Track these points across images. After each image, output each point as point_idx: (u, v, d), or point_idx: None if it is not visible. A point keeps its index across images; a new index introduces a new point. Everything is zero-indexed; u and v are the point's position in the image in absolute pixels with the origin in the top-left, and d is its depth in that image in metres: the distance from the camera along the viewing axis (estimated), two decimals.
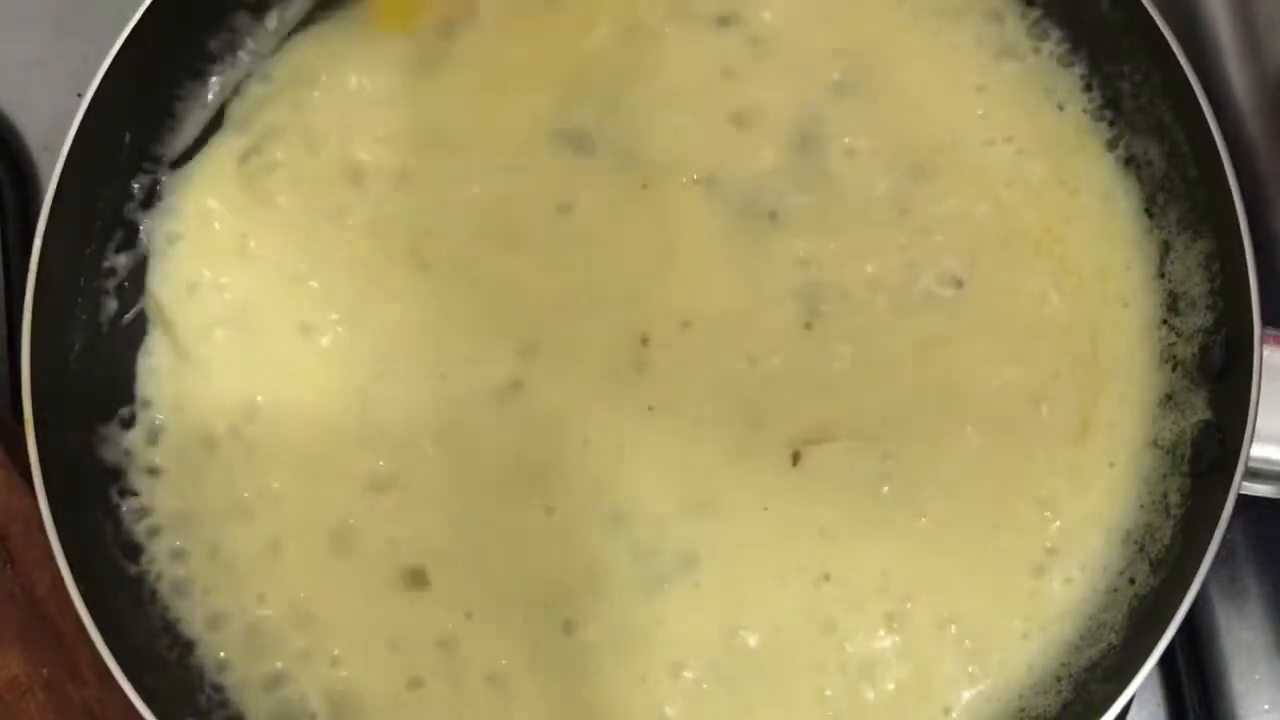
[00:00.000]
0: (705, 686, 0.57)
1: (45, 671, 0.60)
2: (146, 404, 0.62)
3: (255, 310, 0.62)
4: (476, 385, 0.60)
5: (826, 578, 0.58)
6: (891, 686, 0.58)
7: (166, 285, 0.63)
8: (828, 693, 0.57)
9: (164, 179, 0.64)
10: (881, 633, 0.58)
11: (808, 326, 0.60)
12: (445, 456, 0.60)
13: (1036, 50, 0.64)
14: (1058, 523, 0.59)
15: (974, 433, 0.60)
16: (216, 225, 0.63)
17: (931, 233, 0.62)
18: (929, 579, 0.59)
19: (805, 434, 0.59)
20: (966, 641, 0.58)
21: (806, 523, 0.59)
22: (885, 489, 0.59)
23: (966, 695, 0.58)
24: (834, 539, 0.59)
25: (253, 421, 0.61)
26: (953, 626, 0.58)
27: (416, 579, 0.59)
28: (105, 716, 0.61)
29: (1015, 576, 0.59)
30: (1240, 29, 0.70)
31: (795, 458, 0.59)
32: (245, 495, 0.60)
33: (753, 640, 0.58)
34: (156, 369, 0.62)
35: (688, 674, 0.57)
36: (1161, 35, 0.59)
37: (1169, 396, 0.60)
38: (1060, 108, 0.64)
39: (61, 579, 0.55)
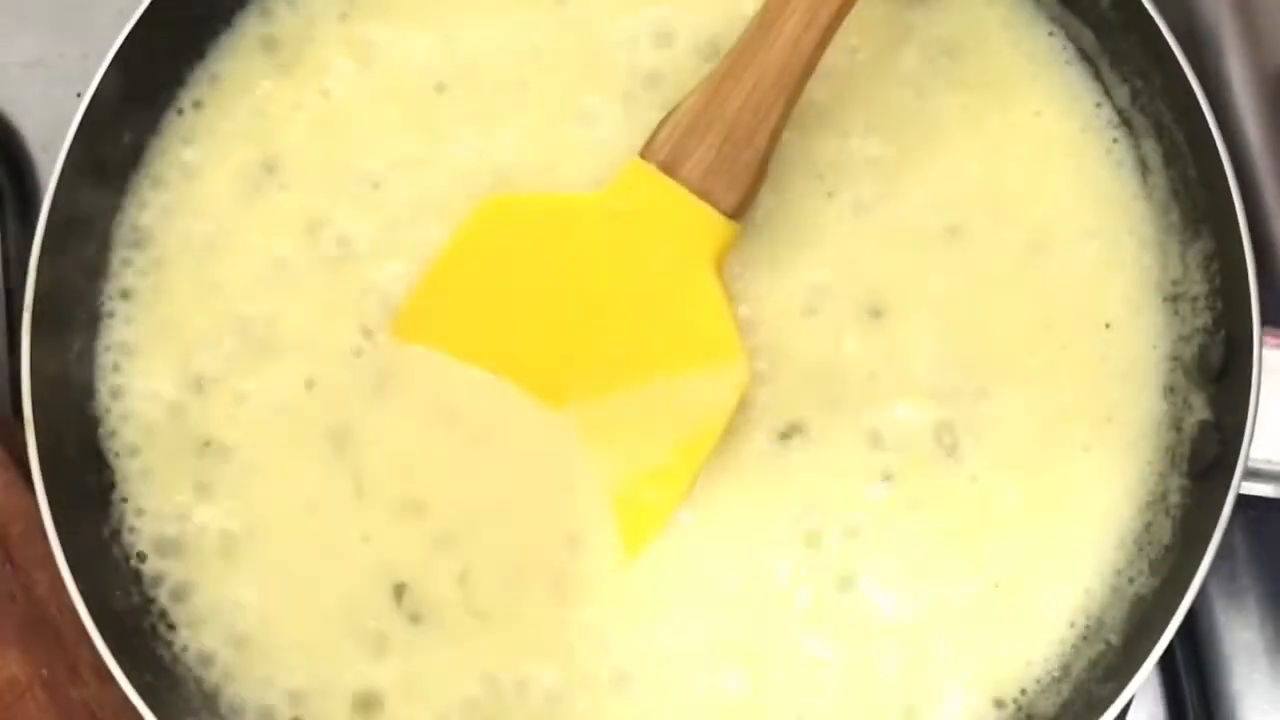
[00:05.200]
0: None
1: (45, 671, 0.60)
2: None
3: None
4: None
5: None
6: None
7: (167, 285, 0.63)
8: None
9: (164, 179, 0.64)
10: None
11: None
12: None
13: None
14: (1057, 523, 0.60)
15: None
16: (218, 226, 0.63)
17: None
18: None
19: None
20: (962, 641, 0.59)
21: None
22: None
23: (965, 696, 0.58)
24: None
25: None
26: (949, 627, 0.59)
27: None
28: (105, 716, 0.61)
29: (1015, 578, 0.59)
30: (1240, 29, 0.70)
31: None
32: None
33: None
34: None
35: None
36: (1161, 35, 0.59)
37: (1168, 396, 0.60)
38: None
39: (61, 579, 0.55)
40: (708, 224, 0.59)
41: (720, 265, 0.60)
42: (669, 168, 0.59)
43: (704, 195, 0.59)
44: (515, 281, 0.61)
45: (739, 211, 0.60)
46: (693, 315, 0.60)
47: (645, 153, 0.60)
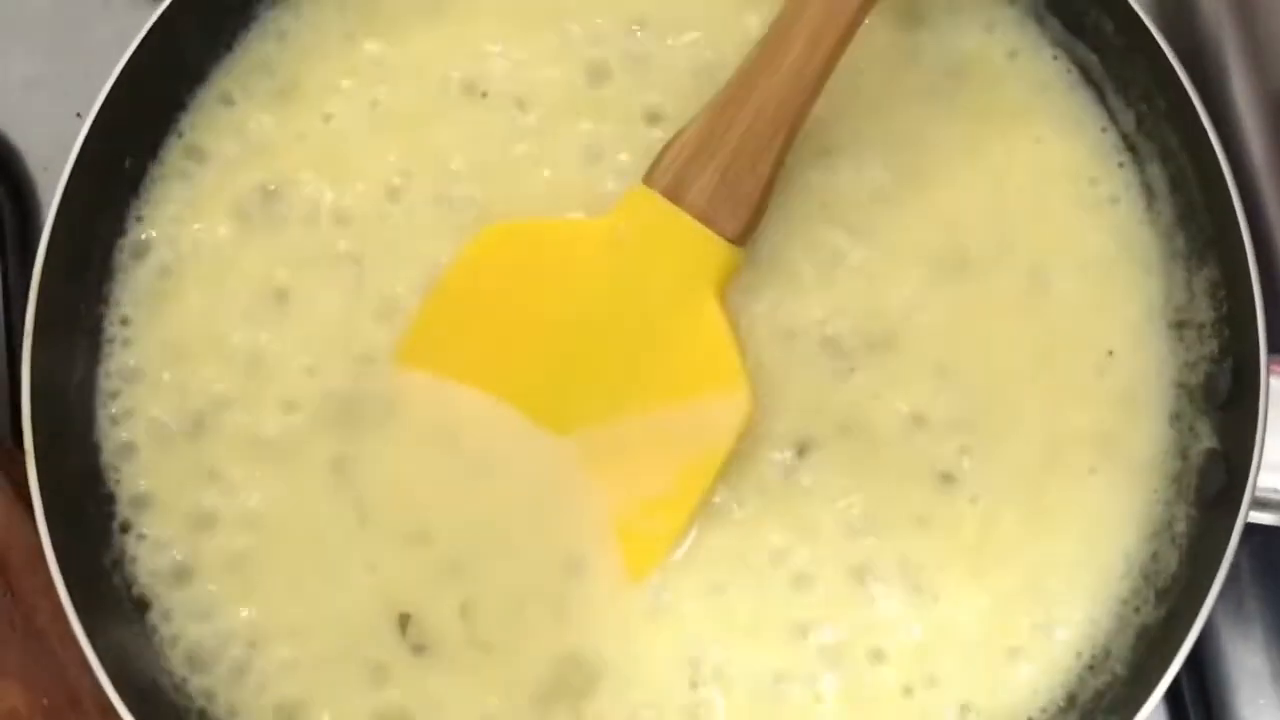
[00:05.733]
0: None
1: (46, 701, 0.60)
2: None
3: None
4: None
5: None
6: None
7: (168, 311, 0.62)
8: None
9: (165, 203, 0.64)
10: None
11: None
12: None
13: None
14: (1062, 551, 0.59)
15: None
16: (219, 251, 0.63)
17: None
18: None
19: None
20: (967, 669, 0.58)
21: None
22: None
23: None
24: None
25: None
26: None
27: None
28: None
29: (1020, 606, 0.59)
30: (1246, 54, 0.70)
31: None
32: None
33: None
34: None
35: None
36: (1167, 60, 0.59)
37: (1174, 424, 0.60)
38: None
39: (62, 608, 0.55)
40: (711, 250, 0.59)
41: (723, 292, 0.60)
42: (672, 194, 0.59)
43: (707, 222, 0.59)
44: (518, 307, 0.61)
45: (742, 238, 0.59)
46: (696, 342, 0.60)
47: (648, 179, 0.60)
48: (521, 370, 0.60)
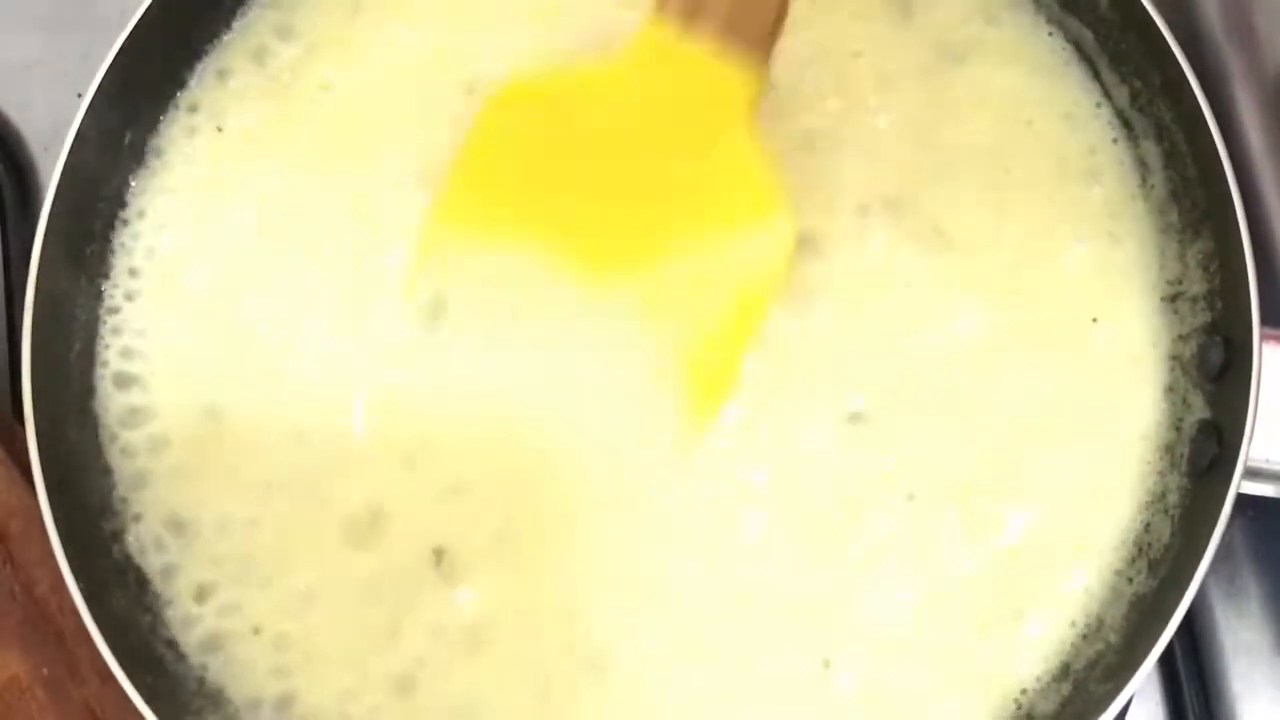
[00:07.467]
0: None
1: (45, 670, 0.60)
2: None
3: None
4: None
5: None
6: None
7: (167, 285, 0.63)
8: None
9: (165, 179, 0.64)
10: None
11: None
12: None
13: None
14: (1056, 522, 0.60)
15: None
16: (219, 224, 0.63)
17: None
18: None
19: None
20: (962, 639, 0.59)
21: None
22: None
23: (965, 694, 0.58)
24: None
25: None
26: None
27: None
28: (106, 715, 0.61)
29: (1014, 575, 0.59)
30: (1239, 29, 0.70)
31: None
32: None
33: None
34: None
35: None
36: (1161, 35, 0.60)
37: (1168, 395, 0.60)
38: None
39: (61, 578, 0.55)
40: (732, 75, 0.56)
41: (751, 119, 0.57)
42: (686, 20, 0.56)
43: (727, 40, 0.56)
44: (548, 160, 0.59)
45: (765, 52, 0.56)
46: (730, 173, 0.57)
47: (660, 7, 0.57)
48: (562, 219, 0.59)
